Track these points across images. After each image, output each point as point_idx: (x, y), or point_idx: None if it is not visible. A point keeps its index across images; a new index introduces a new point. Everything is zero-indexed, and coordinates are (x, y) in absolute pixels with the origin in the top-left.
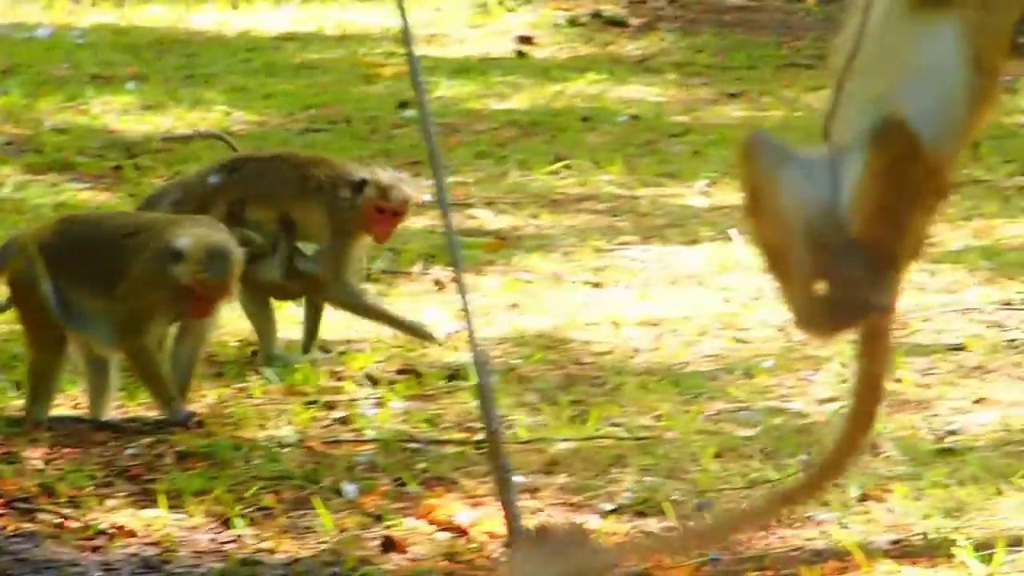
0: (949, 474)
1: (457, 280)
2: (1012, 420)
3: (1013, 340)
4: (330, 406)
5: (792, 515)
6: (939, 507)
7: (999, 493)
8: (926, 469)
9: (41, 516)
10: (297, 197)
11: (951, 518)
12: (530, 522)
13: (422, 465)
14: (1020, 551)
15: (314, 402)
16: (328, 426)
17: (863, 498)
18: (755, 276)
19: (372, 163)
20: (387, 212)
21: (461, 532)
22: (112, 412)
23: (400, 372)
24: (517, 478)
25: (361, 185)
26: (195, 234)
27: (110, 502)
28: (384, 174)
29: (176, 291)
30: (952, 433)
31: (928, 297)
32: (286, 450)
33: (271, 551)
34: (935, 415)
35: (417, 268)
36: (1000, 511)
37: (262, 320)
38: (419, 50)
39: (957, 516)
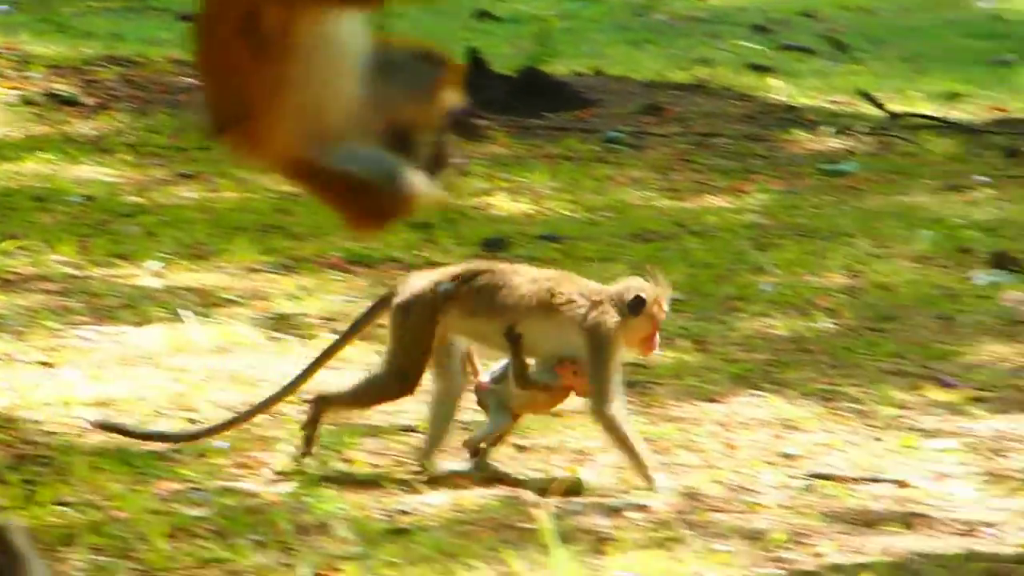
0: (400, 554)
1: None
2: (464, 500)
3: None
4: None
5: None
6: None
7: (450, 573)
8: (377, 549)
9: None
10: (528, 310)
11: None
12: None
13: None
14: None
15: None
16: None
17: None
18: (206, 358)
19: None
20: (657, 321)
21: None
22: None
23: None
24: None
25: (638, 304)
26: None
27: None
28: (647, 284)
29: None
30: (404, 513)
31: None
32: None
33: None
34: (387, 494)
35: None
36: None
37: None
38: None
39: None
